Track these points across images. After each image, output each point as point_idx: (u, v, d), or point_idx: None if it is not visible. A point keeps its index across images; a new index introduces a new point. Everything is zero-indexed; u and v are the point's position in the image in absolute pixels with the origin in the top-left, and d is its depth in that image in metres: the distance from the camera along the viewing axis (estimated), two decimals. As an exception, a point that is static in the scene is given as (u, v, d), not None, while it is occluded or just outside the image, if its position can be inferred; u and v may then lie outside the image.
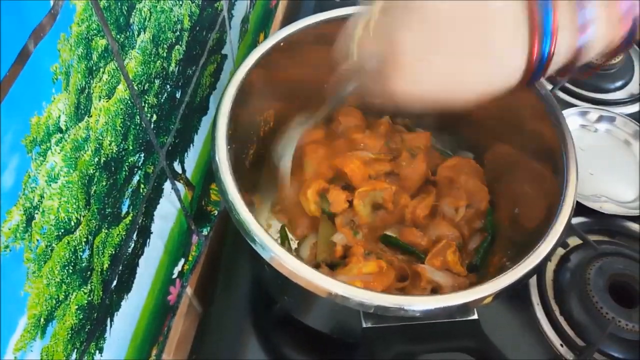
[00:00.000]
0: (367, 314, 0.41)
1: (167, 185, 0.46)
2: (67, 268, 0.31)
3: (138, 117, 0.38)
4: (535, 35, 0.32)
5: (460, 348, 0.40)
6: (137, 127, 0.38)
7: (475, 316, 0.41)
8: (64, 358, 0.33)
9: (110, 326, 0.40)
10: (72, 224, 0.31)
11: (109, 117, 0.34)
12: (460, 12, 0.33)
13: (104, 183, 0.35)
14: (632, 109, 0.75)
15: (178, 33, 0.42)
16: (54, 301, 0.31)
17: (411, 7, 0.34)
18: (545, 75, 0.34)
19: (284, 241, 0.57)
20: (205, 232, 0.59)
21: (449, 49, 0.34)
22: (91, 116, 0.32)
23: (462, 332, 0.41)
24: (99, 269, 0.36)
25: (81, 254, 0.33)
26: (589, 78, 0.76)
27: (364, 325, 0.41)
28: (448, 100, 0.36)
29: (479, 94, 0.36)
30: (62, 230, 0.30)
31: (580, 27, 0.32)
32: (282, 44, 0.52)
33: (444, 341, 0.41)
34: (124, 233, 0.39)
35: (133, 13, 0.34)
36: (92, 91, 0.31)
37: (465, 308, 0.39)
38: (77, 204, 0.32)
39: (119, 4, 0.32)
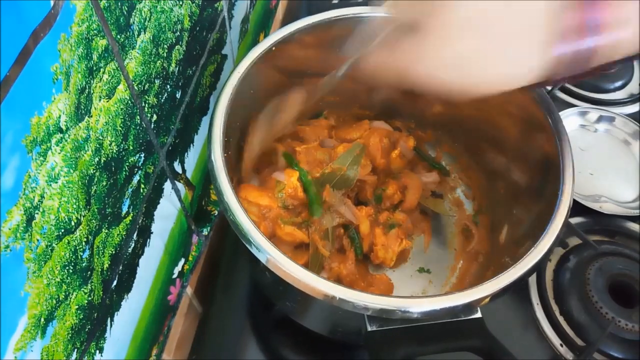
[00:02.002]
0: (371, 317, 0.41)
1: (168, 185, 0.46)
2: (67, 268, 0.31)
3: (138, 117, 0.38)
4: (547, 38, 0.34)
5: (466, 347, 0.40)
6: (138, 127, 0.38)
7: (479, 314, 0.41)
8: (64, 358, 0.33)
9: (111, 326, 0.40)
10: (73, 223, 0.31)
11: (109, 117, 0.34)
12: (495, 5, 0.35)
13: (104, 183, 0.35)
14: (632, 109, 0.75)
15: (178, 33, 0.42)
16: (54, 301, 0.31)
17: None
18: (560, 76, 0.36)
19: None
20: (205, 232, 0.59)
21: (479, 32, 0.36)
22: (91, 116, 0.32)
23: (467, 331, 0.41)
24: (99, 269, 0.36)
25: (81, 253, 0.33)
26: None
27: (369, 328, 0.40)
28: (461, 85, 0.38)
29: (491, 85, 0.37)
30: (63, 230, 0.30)
31: (589, 31, 0.33)
32: (280, 44, 0.52)
33: (450, 341, 0.41)
34: (124, 233, 0.39)
35: (133, 13, 0.34)
36: (92, 91, 0.31)
37: (468, 307, 0.39)
38: (77, 204, 0.32)
39: (119, 4, 0.32)
